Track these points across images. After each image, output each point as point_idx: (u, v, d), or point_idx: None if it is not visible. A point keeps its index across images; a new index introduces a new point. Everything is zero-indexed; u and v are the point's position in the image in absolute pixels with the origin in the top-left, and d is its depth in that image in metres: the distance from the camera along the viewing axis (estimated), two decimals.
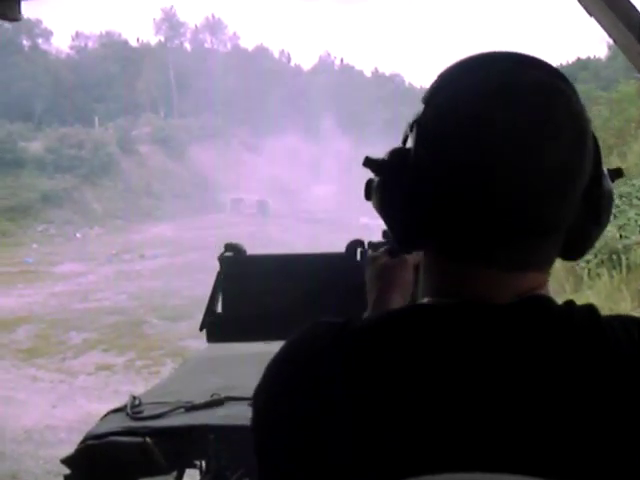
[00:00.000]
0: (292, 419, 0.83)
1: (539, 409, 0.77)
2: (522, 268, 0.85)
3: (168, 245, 31.74)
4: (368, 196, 0.97)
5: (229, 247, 1.87)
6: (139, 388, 10.53)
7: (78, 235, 38.66)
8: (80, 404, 9.93)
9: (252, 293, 1.81)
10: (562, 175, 0.82)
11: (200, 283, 21.81)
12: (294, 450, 0.82)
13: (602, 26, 1.89)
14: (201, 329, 1.82)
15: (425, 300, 0.91)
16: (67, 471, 2.07)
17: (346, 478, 0.77)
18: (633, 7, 1.81)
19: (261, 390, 0.90)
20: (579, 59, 57.61)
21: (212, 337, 1.85)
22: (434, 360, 0.80)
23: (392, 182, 0.90)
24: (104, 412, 2.28)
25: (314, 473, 0.79)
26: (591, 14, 1.92)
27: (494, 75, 0.83)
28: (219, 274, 1.85)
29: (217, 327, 1.82)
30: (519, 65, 0.84)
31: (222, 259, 1.85)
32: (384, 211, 0.93)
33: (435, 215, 0.85)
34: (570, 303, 0.85)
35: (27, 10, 2.18)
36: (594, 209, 0.88)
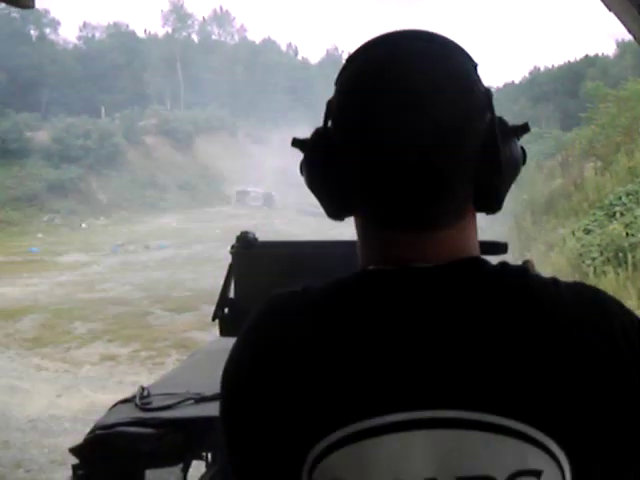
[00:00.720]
0: (266, 386, 0.90)
1: (466, 360, 0.84)
2: (434, 226, 0.92)
3: (173, 236, 31.78)
4: (301, 173, 1.04)
5: (241, 238, 1.85)
6: (143, 379, 10.54)
7: (83, 225, 38.72)
8: (85, 394, 9.94)
9: (265, 286, 1.80)
10: (449, 129, 0.88)
11: (205, 275, 21.99)
12: (267, 420, 0.89)
13: (621, 21, 1.87)
14: (213, 319, 1.81)
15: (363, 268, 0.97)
16: (74, 460, 2.07)
17: (311, 426, 0.86)
18: None
19: (232, 369, 0.98)
20: (587, 56, 57.51)
21: (225, 331, 1.84)
22: (376, 324, 0.88)
23: (313, 159, 0.99)
24: (108, 402, 2.27)
25: (286, 433, 0.88)
26: (610, 9, 1.90)
27: (383, 50, 0.92)
28: (231, 266, 1.84)
29: (230, 321, 1.81)
30: (408, 39, 0.93)
31: (234, 253, 1.83)
32: (310, 187, 1.01)
33: (351, 186, 0.94)
34: (504, 264, 0.92)
35: (53, 3, 2.18)
36: (493, 160, 0.91)
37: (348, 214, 0.99)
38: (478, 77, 0.94)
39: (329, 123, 0.96)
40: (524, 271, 0.92)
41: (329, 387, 0.86)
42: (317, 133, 0.98)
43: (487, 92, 0.93)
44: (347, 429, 0.84)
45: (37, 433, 8.09)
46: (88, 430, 2.08)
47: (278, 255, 1.86)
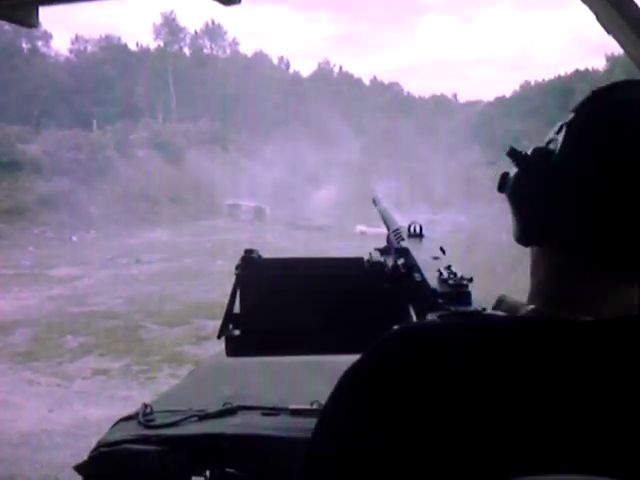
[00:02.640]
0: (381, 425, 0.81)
1: (616, 423, 0.78)
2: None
3: (164, 250, 31.70)
4: (501, 188, 1.02)
5: (245, 257, 1.86)
6: (135, 393, 10.52)
7: (74, 238, 38.58)
8: (76, 409, 9.91)
9: (271, 304, 1.81)
10: None
11: (196, 289, 21.93)
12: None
13: (620, 44, 1.90)
14: (219, 336, 1.82)
15: (528, 308, 0.94)
16: (66, 475, 2.07)
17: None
18: None
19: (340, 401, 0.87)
20: (577, 71, 57.87)
21: (232, 351, 1.85)
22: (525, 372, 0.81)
23: (532, 177, 0.95)
24: (100, 417, 2.27)
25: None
26: (609, 32, 1.93)
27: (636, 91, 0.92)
28: (235, 285, 1.85)
29: (238, 342, 1.82)
30: None
31: (238, 272, 1.84)
32: (517, 202, 0.98)
33: (574, 214, 0.89)
34: None
35: (45, 16, 2.19)
36: None
37: (543, 241, 0.96)
38: None
39: (558, 144, 0.94)
40: None
41: (474, 436, 0.79)
42: (542, 153, 0.96)
43: None
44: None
45: (29, 448, 8.06)
46: (80, 445, 2.10)
47: (283, 273, 1.87)
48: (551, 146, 0.96)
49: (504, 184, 1.02)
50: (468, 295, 1.39)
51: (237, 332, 1.81)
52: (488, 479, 0.76)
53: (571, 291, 0.90)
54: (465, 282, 1.44)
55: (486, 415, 0.79)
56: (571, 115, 0.96)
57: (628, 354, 0.81)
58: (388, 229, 1.98)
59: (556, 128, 0.97)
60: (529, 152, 0.98)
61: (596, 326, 0.84)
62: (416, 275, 1.54)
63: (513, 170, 1.01)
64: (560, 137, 0.94)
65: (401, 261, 1.68)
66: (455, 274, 1.47)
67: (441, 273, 1.43)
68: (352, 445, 0.81)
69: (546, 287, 0.94)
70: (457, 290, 1.39)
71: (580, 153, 0.91)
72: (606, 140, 0.89)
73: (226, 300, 1.85)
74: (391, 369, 0.85)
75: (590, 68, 57.77)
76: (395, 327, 0.94)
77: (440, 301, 1.34)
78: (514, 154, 0.99)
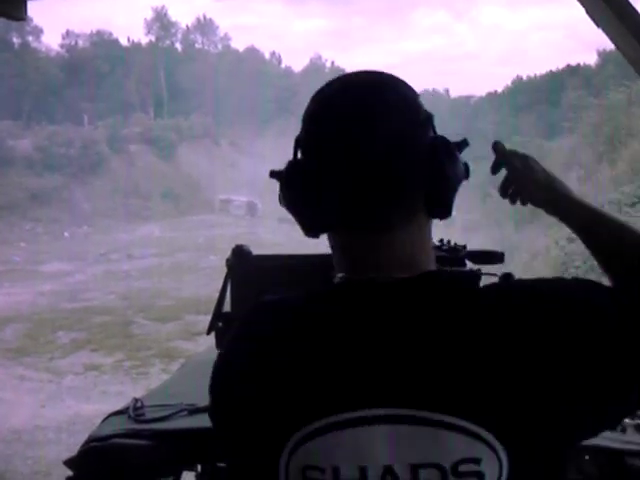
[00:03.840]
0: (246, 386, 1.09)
1: (417, 366, 0.99)
2: (387, 227, 1.06)
3: (156, 245, 31.66)
4: (281, 202, 1.19)
5: (236, 252, 1.86)
6: (127, 389, 10.50)
7: (66, 234, 38.49)
8: (68, 404, 9.90)
9: None
10: (397, 141, 1.04)
11: (188, 284, 21.89)
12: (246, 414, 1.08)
13: (610, 37, 1.90)
14: (208, 333, 1.82)
15: (339, 275, 1.13)
16: (59, 471, 2.07)
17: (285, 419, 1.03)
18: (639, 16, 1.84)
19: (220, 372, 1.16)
20: (569, 65, 57.92)
21: (222, 344, 1.85)
22: (345, 333, 1.04)
23: (291, 186, 1.14)
24: (93, 413, 2.27)
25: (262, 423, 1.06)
26: (599, 25, 1.94)
27: (339, 85, 1.11)
28: (226, 280, 1.85)
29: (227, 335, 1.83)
30: (357, 75, 1.12)
31: (230, 264, 1.84)
32: (290, 210, 1.16)
33: (325, 205, 1.09)
34: (458, 276, 1.13)
35: (32, 10, 2.18)
36: (438, 171, 1.07)
37: (323, 231, 1.14)
38: (421, 103, 1.10)
39: (299, 154, 1.12)
40: (473, 283, 1.11)
41: (305, 385, 1.03)
42: (291, 164, 1.14)
43: (429, 115, 1.10)
44: (319, 422, 1.00)
45: (21, 444, 8.04)
46: (72, 441, 2.09)
47: (273, 268, 1.87)
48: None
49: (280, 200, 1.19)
50: (462, 259, 1.47)
51: (222, 323, 1.82)
52: (319, 415, 1.00)
53: (354, 255, 1.09)
54: (459, 247, 1.51)
55: (312, 367, 1.03)
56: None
57: (421, 308, 1.03)
58: None
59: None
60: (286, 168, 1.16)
61: (392, 285, 1.04)
62: None
63: None
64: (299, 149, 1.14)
65: None
66: (449, 241, 1.53)
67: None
68: (238, 390, 1.10)
69: (342, 259, 1.12)
70: (452, 255, 1.47)
71: (311, 152, 1.11)
72: (313, 136, 1.10)
73: (217, 295, 1.85)
74: (246, 334, 1.15)
75: (582, 63, 57.82)
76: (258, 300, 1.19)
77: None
78: (274, 175, 1.19)
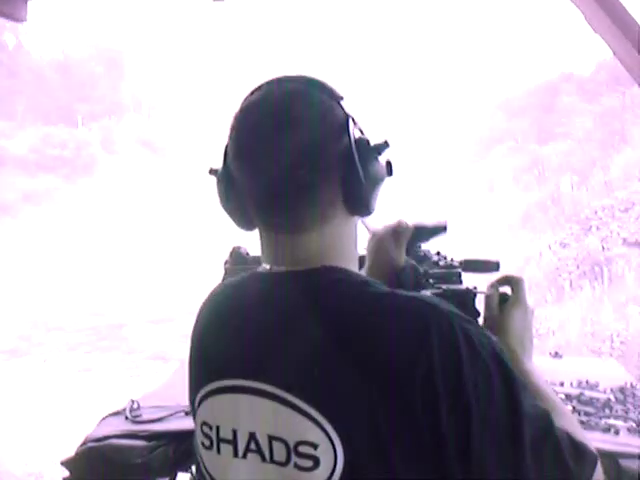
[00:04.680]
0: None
1: (273, 348, 1.11)
2: (301, 228, 1.17)
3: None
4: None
5: (233, 252, 1.87)
6: (121, 391, 10.49)
7: None
8: (62, 406, 9.88)
9: None
10: (307, 148, 1.12)
11: (182, 285, 21.73)
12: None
13: (607, 44, 1.92)
14: None
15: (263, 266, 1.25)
16: (53, 473, 2.07)
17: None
18: (639, 26, 1.86)
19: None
20: (563, 73, 58.04)
21: None
22: (238, 313, 1.21)
23: (220, 188, 1.26)
24: (85, 414, 2.27)
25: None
26: (596, 31, 1.95)
27: (257, 95, 1.20)
28: (224, 279, 1.86)
29: None
30: (279, 82, 1.20)
31: (227, 267, 1.85)
32: (223, 210, 1.29)
33: (246, 208, 1.21)
34: (346, 278, 1.16)
35: (33, 11, 2.19)
36: (352, 172, 1.15)
37: (252, 227, 1.26)
38: (340, 107, 1.18)
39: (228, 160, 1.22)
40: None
41: (210, 350, 1.23)
42: (220, 169, 1.26)
43: (346, 119, 1.17)
44: (210, 386, 1.18)
45: (13, 445, 8.02)
46: (66, 443, 2.09)
47: None
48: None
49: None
50: (458, 275, 1.47)
51: None
52: (213, 378, 1.18)
53: (271, 250, 1.22)
54: (455, 264, 1.51)
55: (218, 336, 1.23)
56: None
57: (297, 298, 1.13)
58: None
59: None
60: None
61: (282, 275, 1.18)
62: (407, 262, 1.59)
63: None
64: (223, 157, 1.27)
65: None
66: (445, 257, 1.53)
67: (431, 257, 1.61)
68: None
69: (263, 253, 1.24)
70: (448, 271, 1.47)
71: (231, 159, 1.21)
72: (234, 143, 1.20)
73: None
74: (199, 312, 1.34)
75: (575, 70, 57.95)
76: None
77: (431, 281, 1.50)
78: (211, 172, 1.31)
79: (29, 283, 22.07)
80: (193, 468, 2.25)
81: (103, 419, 2.17)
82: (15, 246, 33.53)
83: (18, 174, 43.02)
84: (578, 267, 12.04)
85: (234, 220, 1.28)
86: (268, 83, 1.21)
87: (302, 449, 1.05)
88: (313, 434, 1.04)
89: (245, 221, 1.25)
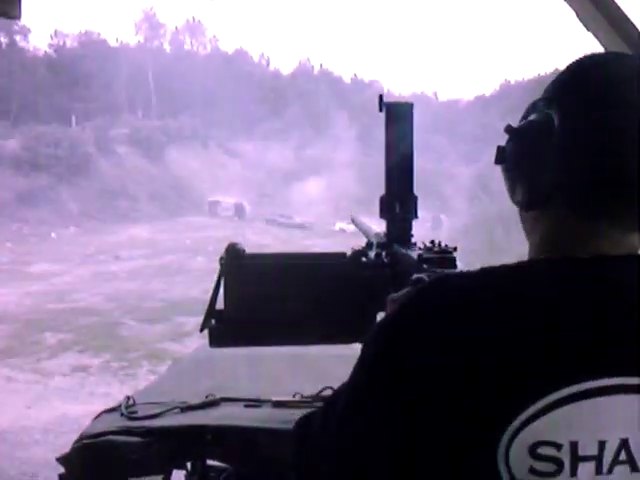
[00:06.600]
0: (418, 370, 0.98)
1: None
2: (635, 229, 1.02)
3: (144, 247, 31.61)
4: (499, 160, 1.14)
5: (229, 250, 1.87)
6: (115, 390, 10.48)
7: (53, 235, 38.36)
8: (55, 405, 9.86)
9: (254, 297, 1.83)
10: None
11: (176, 285, 21.75)
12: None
13: (600, 41, 1.93)
14: (202, 330, 1.83)
15: (542, 256, 1.08)
16: (46, 472, 2.07)
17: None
18: (633, 24, 1.86)
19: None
20: (557, 70, 58.12)
21: (215, 342, 1.86)
22: (574, 306, 0.98)
23: (535, 149, 1.06)
24: (80, 414, 2.27)
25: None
26: (589, 29, 1.96)
27: (626, 67, 1.04)
28: (219, 278, 1.86)
29: (221, 332, 1.84)
30: (619, 58, 1.08)
31: (223, 264, 1.85)
32: (519, 172, 1.10)
33: (571, 176, 1.02)
34: None
35: (27, 8, 2.18)
36: None
37: (543, 204, 1.07)
38: None
39: (555, 121, 1.04)
40: None
41: (524, 363, 0.94)
42: (540, 126, 1.06)
43: None
44: (555, 395, 0.93)
45: (7, 445, 7.99)
46: (59, 442, 2.09)
47: (267, 267, 1.89)
48: (532, 117, 1.08)
49: (502, 157, 1.13)
50: (453, 260, 1.46)
51: (216, 321, 1.83)
52: (555, 387, 0.93)
53: (573, 241, 1.04)
54: (449, 249, 1.51)
55: (540, 337, 0.96)
56: (551, 90, 1.09)
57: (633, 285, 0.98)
58: (368, 237, 2.01)
59: (542, 102, 1.08)
60: (523, 125, 1.10)
61: (603, 260, 1.01)
62: (400, 252, 1.59)
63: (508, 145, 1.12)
64: (552, 111, 1.04)
65: (384, 252, 1.72)
66: (439, 243, 1.53)
67: (425, 245, 1.57)
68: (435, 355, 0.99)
69: (548, 241, 1.07)
70: (442, 256, 1.47)
71: (575, 126, 1.02)
72: (596, 114, 1.00)
73: (206, 297, 1.87)
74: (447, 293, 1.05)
75: None
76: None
77: (425, 266, 1.45)
78: (510, 130, 1.12)
79: (22, 282, 22.03)
80: (189, 465, 2.25)
81: (98, 416, 2.16)
82: (10, 244, 33.47)
83: (12, 173, 42.94)
84: None
85: (530, 189, 1.08)
86: (606, 57, 1.12)
87: None
88: None
89: (546, 195, 1.05)
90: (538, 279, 1.01)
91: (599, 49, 2.06)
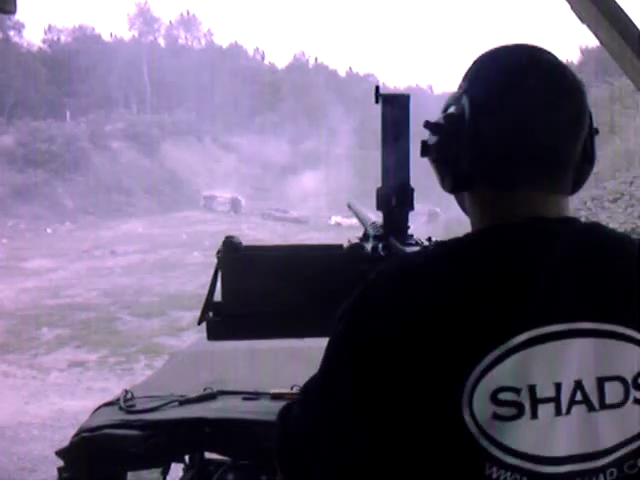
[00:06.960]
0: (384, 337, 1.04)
1: (598, 285, 1.05)
2: (558, 191, 1.13)
3: (140, 242, 31.56)
4: (424, 153, 1.22)
5: (226, 243, 1.88)
6: (112, 385, 10.47)
7: (49, 230, 38.30)
8: (52, 401, 9.85)
9: (251, 289, 1.83)
10: (575, 122, 1.11)
11: (173, 280, 21.75)
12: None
13: (594, 33, 1.94)
14: (199, 323, 1.84)
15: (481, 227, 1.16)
16: (44, 467, 2.08)
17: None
18: (627, 16, 1.87)
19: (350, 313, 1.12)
20: None
21: (213, 335, 1.87)
22: (532, 262, 1.06)
23: (450, 139, 1.15)
24: (77, 409, 2.27)
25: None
26: (583, 21, 1.97)
27: (523, 56, 1.14)
28: (216, 271, 1.87)
29: (218, 325, 1.84)
30: (538, 50, 1.15)
31: (220, 257, 1.86)
32: (438, 163, 1.19)
33: (488, 160, 1.12)
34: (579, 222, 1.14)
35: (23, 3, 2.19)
36: (590, 152, 1.16)
37: (467, 187, 1.16)
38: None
39: (466, 111, 1.13)
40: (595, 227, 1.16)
41: (479, 318, 1.01)
42: (453, 117, 1.16)
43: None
44: (513, 341, 0.99)
45: (5, 440, 7.99)
46: (57, 437, 2.10)
47: (264, 259, 1.89)
48: (451, 110, 1.17)
49: (426, 150, 1.22)
50: None
51: (213, 314, 1.84)
52: (513, 333, 1.00)
53: (502, 211, 1.12)
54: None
55: (499, 287, 1.04)
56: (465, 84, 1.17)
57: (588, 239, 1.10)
58: (365, 225, 2.01)
59: (456, 95, 1.17)
60: (439, 119, 1.19)
61: (555, 221, 1.11)
62: (396, 246, 1.62)
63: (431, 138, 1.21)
64: (463, 101, 1.14)
65: (380, 244, 1.72)
66: (436, 241, 1.56)
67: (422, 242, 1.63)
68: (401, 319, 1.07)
69: (484, 217, 1.15)
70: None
71: (481, 111, 1.12)
72: (498, 99, 1.11)
73: (202, 291, 1.87)
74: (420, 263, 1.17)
75: (564, 60, 58.02)
76: None
77: None
78: (429, 125, 1.20)
79: (18, 277, 22.00)
80: (187, 457, 2.26)
81: (97, 409, 2.17)
82: (5, 240, 33.42)
83: (7, 169, 42.83)
84: None
85: (453, 176, 1.17)
86: (521, 48, 1.18)
87: None
88: None
89: (467, 178, 1.15)
90: (485, 246, 1.09)
91: (592, 43, 2.06)
